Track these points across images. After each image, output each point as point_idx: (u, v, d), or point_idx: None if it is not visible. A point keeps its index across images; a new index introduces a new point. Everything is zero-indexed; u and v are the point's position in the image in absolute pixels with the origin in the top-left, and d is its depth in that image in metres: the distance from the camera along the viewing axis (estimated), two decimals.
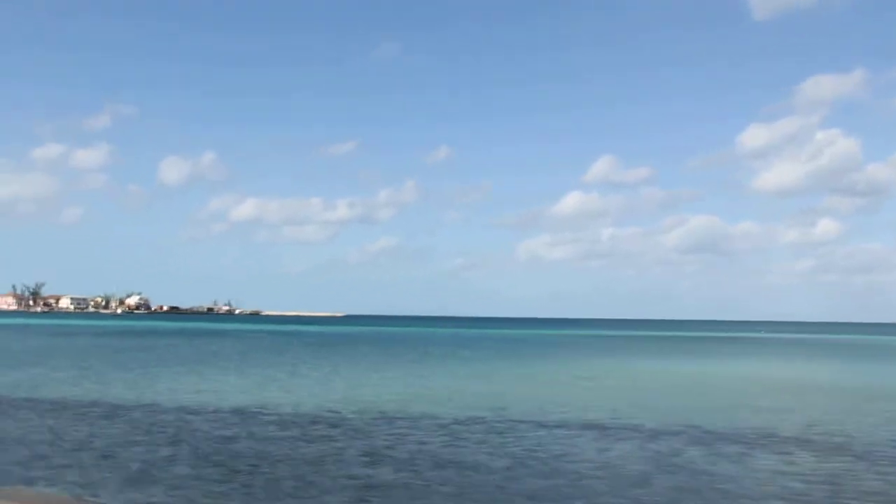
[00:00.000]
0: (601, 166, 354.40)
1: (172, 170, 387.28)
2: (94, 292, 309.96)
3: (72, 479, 14.93)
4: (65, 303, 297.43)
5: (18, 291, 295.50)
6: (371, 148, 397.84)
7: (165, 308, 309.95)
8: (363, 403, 27.67)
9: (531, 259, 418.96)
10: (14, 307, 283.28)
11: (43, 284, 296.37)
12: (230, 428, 21.83)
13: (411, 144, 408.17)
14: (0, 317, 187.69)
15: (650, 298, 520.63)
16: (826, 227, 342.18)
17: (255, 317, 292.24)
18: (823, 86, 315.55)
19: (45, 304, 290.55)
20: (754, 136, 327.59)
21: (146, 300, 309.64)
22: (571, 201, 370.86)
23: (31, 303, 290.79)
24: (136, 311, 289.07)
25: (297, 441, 19.87)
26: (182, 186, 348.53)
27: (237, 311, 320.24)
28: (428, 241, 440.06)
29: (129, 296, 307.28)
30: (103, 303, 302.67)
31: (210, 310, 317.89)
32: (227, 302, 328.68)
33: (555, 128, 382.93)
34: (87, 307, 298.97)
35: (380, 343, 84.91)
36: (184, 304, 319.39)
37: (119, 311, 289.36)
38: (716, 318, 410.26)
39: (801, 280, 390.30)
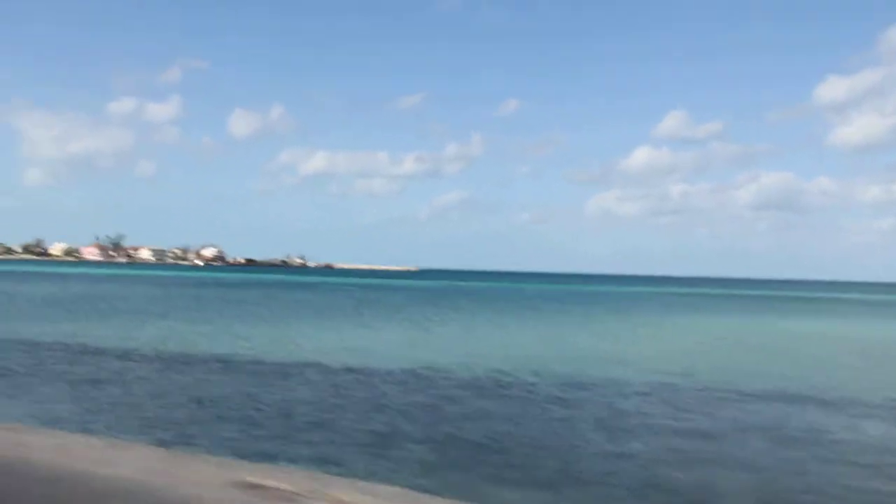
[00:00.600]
0: (671, 122, 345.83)
1: (242, 123, 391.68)
2: (170, 244, 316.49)
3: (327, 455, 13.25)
4: (145, 254, 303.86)
5: (101, 242, 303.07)
6: (438, 101, 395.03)
7: (241, 260, 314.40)
8: (530, 364, 25.61)
9: (601, 214, 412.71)
10: (98, 258, 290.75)
11: (124, 236, 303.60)
12: (422, 391, 20.03)
13: (479, 98, 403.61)
14: (92, 267, 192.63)
15: (722, 256, 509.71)
16: None
17: (328, 270, 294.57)
18: None
19: (127, 255, 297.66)
20: (833, 88, 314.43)
21: (222, 252, 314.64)
22: (641, 156, 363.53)
23: (112, 253, 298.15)
24: (212, 263, 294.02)
25: (513, 407, 17.97)
26: (252, 139, 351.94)
27: (310, 264, 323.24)
28: (496, 196, 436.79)
29: (204, 247, 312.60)
30: (182, 254, 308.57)
31: (284, 262, 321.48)
32: (300, 255, 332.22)
33: (624, 82, 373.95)
34: (165, 258, 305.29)
35: (480, 299, 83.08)
36: (258, 257, 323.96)
37: (197, 262, 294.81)
38: (790, 278, 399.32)
39: (883, 238, 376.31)
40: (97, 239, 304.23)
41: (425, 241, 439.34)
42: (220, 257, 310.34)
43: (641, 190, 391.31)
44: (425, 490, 10.97)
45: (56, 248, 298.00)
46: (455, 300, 77.08)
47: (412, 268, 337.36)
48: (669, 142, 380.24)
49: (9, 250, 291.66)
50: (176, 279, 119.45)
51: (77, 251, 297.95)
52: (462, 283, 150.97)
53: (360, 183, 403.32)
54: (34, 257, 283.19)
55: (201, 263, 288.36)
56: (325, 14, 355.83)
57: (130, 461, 11.14)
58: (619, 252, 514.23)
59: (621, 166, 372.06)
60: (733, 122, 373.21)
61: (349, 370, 23.47)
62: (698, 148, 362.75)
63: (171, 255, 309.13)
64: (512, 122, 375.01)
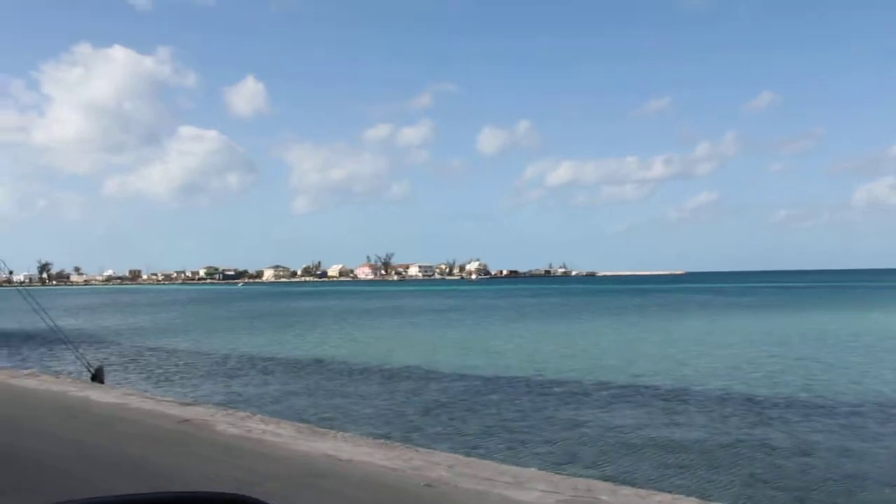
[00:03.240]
0: None
1: (490, 140, 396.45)
2: (433, 260, 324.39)
3: None
4: (413, 270, 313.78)
5: (372, 261, 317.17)
6: (686, 102, 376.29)
7: (505, 272, 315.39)
8: None
9: (869, 205, 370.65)
10: (371, 276, 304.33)
11: (392, 254, 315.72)
12: None
13: (729, 93, 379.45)
14: (373, 285, 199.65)
15: None
16: None
17: (592, 277, 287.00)
18: None
19: (397, 273, 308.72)
20: None
21: (485, 265, 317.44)
22: None
23: (383, 272, 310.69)
24: (477, 277, 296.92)
25: None
26: (499, 155, 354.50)
27: (573, 273, 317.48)
28: (751, 195, 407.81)
29: (469, 262, 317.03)
30: (447, 269, 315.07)
31: (547, 272, 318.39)
32: (561, 264, 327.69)
33: (887, 59, 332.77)
34: (433, 274, 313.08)
35: (803, 304, 71.38)
36: (520, 268, 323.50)
37: (461, 276, 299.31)
38: None
39: None
40: (368, 259, 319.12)
41: (678, 243, 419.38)
42: (483, 270, 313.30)
43: None
44: None
45: (333, 270, 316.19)
46: (784, 309, 66.28)
47: (678, 272, 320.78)
48: None
49: (293, 273, 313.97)
50: (474, 294, 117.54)
51: (351, 271, 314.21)
52: (756, 286, 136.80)
53: (609, 189, 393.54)
54: (314, 279, 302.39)
55: (474, 277, 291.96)
56: (563, 34, 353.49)
57: None
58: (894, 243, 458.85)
59: (893, 151, 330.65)
60: None
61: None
62: None
63: (437, 270, 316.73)
64: (766, 116, 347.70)
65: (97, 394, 14.88)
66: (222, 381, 24.75)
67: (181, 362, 30.61)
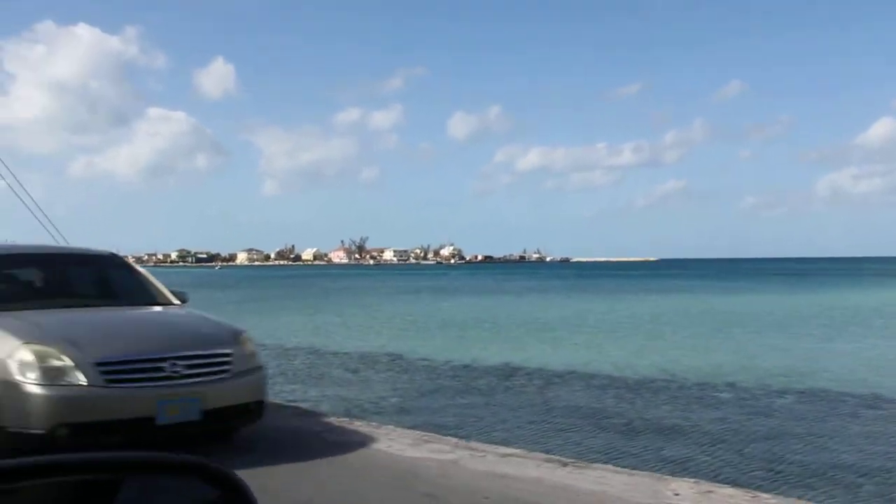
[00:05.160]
0: None
1: (460, 125, 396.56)
2: (406, 245, 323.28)
3: None
4: (388, 255, 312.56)
5: (347, 245, 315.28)
6: (657, 89, 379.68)
7: (480, 257, 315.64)
8: None
9: (833, 194, 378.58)
10: (345, 260, 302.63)
11: (367, 238, 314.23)
12: None
13: (699, 82, 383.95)
14: (351, 270, 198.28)
15: None
16: None
17: (567, 263, 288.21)
18: None
19: (372, 257, 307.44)
20: None
21: (459, 250, 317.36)
22: (881, 129, 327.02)
23: (357, 256, 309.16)
24: (451, 262, 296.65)
25: None
26: (469, 140, 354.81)
27: (548, 259, 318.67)
28: (718, 182, 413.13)
29: (443, 247, 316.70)
30: (422, 254, 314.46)
31: (522, 258, 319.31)
32: (535, 250, 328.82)
33: (858, 49, 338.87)
34: (408, 259, 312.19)
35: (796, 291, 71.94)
36: (493, 253, 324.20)
37: (437, 261, 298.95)
38: None
39: None
40: (342, 243, 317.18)
41: (646, 230, 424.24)
42: (458, 255, 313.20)
43: (883, 165, 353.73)
44: None
45: (307, 253, 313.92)
46: (781, 293, 66.87)
47: (652, 258, 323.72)
48: None
49: (267, 257, 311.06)
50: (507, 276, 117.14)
51: (326, 255, 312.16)
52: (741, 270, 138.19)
53: (578, 176, 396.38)
54: (288, 262, 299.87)
55: (453, 262, 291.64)
56: (537, 20, 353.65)
57: None
58: (854, 232, 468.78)
59: (857, 141, 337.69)
60: None
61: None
62: None
63: (412, 254, 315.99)
64: (734, 105, 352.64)
65: None
66: (356, 387, 17.26)
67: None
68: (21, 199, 11.93)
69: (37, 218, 12.13)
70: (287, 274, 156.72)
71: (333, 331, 31.18)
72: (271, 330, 28.79)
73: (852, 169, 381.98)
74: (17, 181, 11.62)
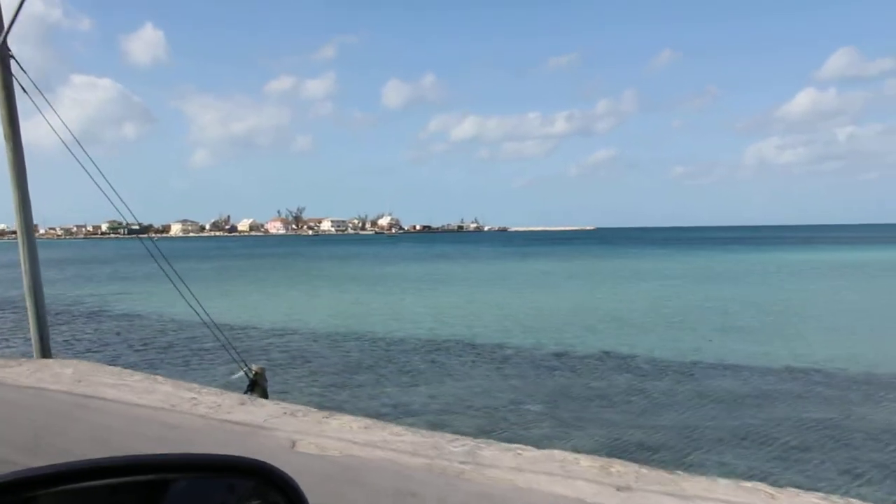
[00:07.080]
0: (838, 60, 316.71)
1: (395, 93, 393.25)
2: (342, 215, 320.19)
3: None
4: (326, 225, 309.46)
5: (283, 215, 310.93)
6: (591, 59, 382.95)
7: (418, 227, 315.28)
8: None
9: (759, 164, 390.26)
10: (282, 231, 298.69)
11: (304, 208, 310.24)
12: None
13: (632, 52, 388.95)
14: (289, 241, 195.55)
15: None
16: None
17: (505, 233, 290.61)
18: None
19: (309, 227, 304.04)
20: None
21: (397, 220, 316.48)
22: (804, 100, 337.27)
23: (294, 226, 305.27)
24: (392, 232, 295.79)
25: None
26: (404, 108, 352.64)
27: (486, 228, 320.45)
28: (649, 151, 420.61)
29: (380, 217, 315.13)
30: (360, 224, 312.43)
31: (460, 227, 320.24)
32: (473, 219, 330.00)
33: (784, 26, 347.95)
34: (346, 229, 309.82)
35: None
36: (430, 223, 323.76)
37: (375, 231, 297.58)
38: None
39: None
40: (279, 213, 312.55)
41: (581, 199, 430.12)
42: (396, 224, 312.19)
43: (804, 135, 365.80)
44: None
45: (243, 224, 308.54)
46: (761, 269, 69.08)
47: (589, 227, 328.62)
48: (836, 82, 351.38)
49: (202, 228, 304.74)
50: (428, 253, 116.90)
51: (262, 226, 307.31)
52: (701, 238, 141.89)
53: (511, 145, 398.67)
54: (223, 233, 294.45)
55: (394, 231, 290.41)
56: None
57: None
58: (780, 201, 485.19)
59: (781, 112, 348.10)
60: None
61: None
62: (870, 85, 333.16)
63: (350, 225, 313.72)
64: (665, 75, 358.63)
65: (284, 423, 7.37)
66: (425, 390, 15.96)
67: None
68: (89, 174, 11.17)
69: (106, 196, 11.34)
70: (229, 246, 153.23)
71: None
72: None
73: (775, 139, 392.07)
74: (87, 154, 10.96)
